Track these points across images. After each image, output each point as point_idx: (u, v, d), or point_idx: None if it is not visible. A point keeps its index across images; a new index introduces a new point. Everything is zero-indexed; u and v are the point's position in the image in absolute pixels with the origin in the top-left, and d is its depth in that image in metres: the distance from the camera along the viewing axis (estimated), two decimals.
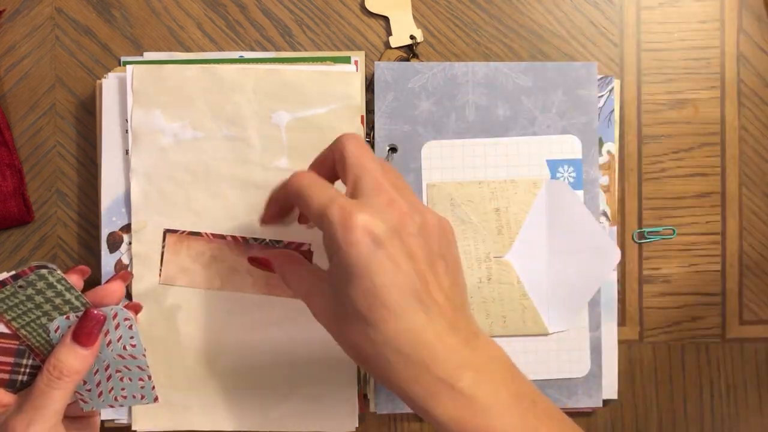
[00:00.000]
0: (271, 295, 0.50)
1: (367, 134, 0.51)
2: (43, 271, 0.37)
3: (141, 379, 0.40)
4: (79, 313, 0.38)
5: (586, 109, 0.51)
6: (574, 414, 0.53)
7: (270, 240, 0.50)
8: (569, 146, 0.51)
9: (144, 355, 0.40)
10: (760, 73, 0.53)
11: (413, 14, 0.53)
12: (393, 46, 0.53)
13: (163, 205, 0.50)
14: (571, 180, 0.51)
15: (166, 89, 0.50)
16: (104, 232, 0.51)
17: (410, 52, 0.53)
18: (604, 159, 0.52)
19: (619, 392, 0.53)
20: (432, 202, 0.51)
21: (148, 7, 0.53)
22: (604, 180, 0.52)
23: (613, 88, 0.52)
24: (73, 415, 0.41)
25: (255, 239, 0.50)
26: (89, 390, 0.40)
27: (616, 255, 0.51)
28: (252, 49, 0.53)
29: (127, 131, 0.50)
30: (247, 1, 0.53)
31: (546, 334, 0.51)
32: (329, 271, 0.36)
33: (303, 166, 0.50)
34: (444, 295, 0.36)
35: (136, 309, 0.43)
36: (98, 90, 0.51)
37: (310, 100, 0.50)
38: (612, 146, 0.52)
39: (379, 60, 0.52)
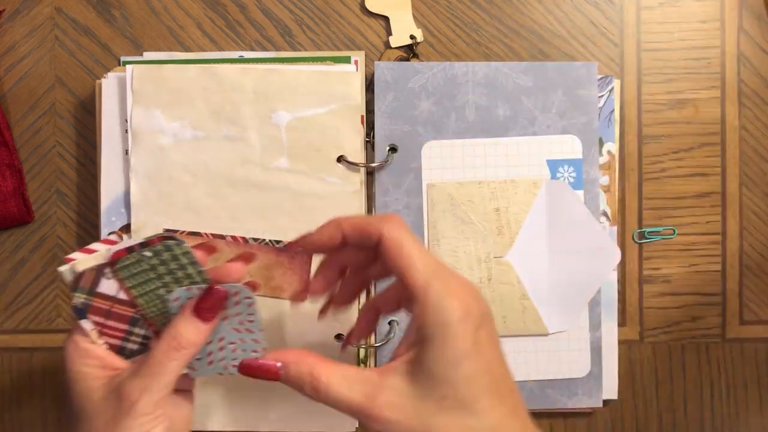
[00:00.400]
0: (271, 296, 0.50)
1: (367, 134, 0.51)
2: (171, 242, 0.37)
3: (255, 351, 0.39)
4: (200, 287, 0.38)
5: (586, 109, 0.51)
6: (575, 414, 0.53)
7: (270, 240, 0.50)
8: (569, 146, 0.51)
9: (261, 331, 0.39)
10: (761, 73, 0.53)
11: (413, 14, 0.53)
12: (393, 46, 0.52)
13: (162, 205, 0.50)
14: (572, 180, 0.51)
15: (166, 89, 0.50)
16: (104, 232, 0.51)
17: (410, 52, 0.53)
18: (604, 159, 0.52)
19: (619, 392, 0.53)
20: (432, 202, 0.51)
21: (148, 7, 0.53)
22: (604, 180, 0.52)
23: (613, 88, 0.52)
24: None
25: (255, 239, 0.50)
26: (199, 359, 0.39)
27: (617, 255, 0.51)
28: (252, 49, 0.53)
29: (126, 131, 0.50)
30: (247, 1, 0.53)
31: (546, 335, 0.51)
32: (422, 356, 0.33)
33: (303, 166, 0.50)
34: (511, 382, 0.35)
35: (255, 287, 0.42)
36: (98, 90, 0.51)
37: (310, 100, 0.50)
38: (612, 146, 0.52)
39: (379, 60, 0.52)
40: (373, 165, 0.50)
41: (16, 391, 0.53)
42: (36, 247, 0.53)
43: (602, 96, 0.51)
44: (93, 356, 0.37)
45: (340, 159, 0.50)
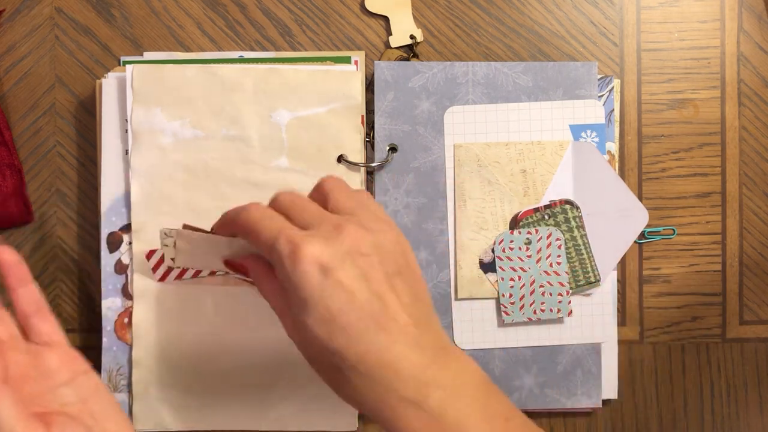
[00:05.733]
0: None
1: (367, 134, 0.51)
2: (567, 206, 0.46)
3: (560, 294, 0.43)
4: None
5: None
6: (574, 414, 0.53)
7: None
8: (592, 110, 0.51)
9: (567, 273, 0.41)
10: (760, 73, 0.53)
11: (413, 14, 0.53)
12: (393, 45, 0.52)
13: (163, 204, 0.50)
14: (594, 144, 0.51)
15: (166, 89, 0.50)
16: (104, 232, 0.51)
17: (410, 51, 0.53)
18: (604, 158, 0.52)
19: (619, 392, 0.53)
20: (459, 163, 0.51)
21: (148, 7, 0.53)
22: None
23: (613, 88, 0.52)
24: None
25: None
26: (513, 303, 0.41)
27: (644, 216, 0.50)
28: (252, 49, 0.53)
29: (127, 131, 0.50)
30: (247, 1, 0.53)
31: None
32: (290, 301, 0.36)
33: (303, 166, 0.50)
34: (405, 312, 0.35)
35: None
36: (98, 90, 0.51)
37: (311, 99, 0.50)
38: (612, 146, 0.52)
39: (379, 60, 0.52)
40: (373, 165, 0.50)
41: None
42: (36, 247, 0.53)
43: (602, 96, 0.52)
44: None
45: (340, 159, 0.50)
